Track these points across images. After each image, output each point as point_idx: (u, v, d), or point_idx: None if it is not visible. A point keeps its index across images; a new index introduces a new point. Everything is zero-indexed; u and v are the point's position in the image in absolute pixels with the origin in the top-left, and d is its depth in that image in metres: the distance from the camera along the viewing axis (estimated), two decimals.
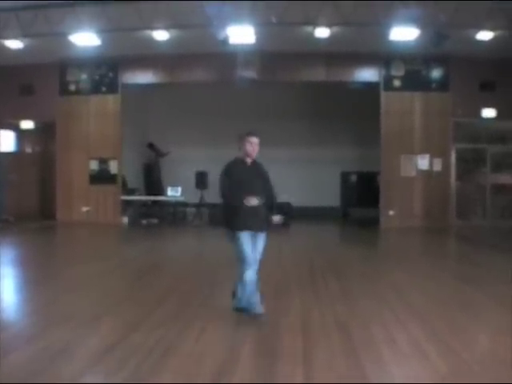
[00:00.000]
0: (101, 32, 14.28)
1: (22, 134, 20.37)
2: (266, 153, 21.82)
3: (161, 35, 14.40)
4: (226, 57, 16.78)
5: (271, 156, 21.00)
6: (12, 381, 4.46)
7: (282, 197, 20.46)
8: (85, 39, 14.56)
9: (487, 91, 17.63)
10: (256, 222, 6.27)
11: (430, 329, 6.05)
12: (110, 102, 18.65)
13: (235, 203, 6.17)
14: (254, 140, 6.38)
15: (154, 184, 21.34)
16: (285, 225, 6.24)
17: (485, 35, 14.19)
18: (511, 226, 17.22)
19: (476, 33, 14.16)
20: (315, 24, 13.74)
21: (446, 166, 17.84)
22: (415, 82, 17.84)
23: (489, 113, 17.74)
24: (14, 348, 5.29)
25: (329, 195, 20.92)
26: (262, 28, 14.03)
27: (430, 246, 14.78)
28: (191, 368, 4.87)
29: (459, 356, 5.16)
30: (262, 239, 6.44)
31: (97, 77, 18.68)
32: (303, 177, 21.28)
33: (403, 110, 17.82)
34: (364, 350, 5.32)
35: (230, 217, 6.25)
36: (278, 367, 4.89)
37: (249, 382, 4.59)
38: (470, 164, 18.61)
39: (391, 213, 17.70)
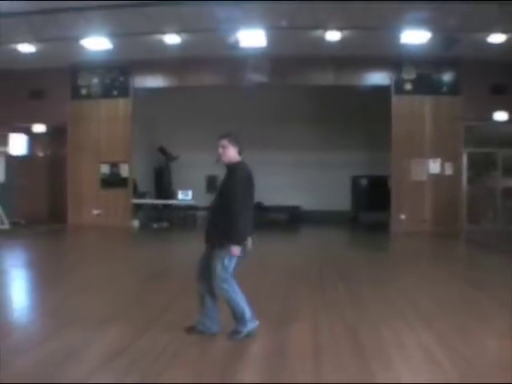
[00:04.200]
0: (112, 36, 14.36)
1: (33, 138, 20.47)
2: (276, 157, 21.94)
3: (171, 39, 14.44)
4: (236, 60, 16.82)
5: (281, 160, 21.24)
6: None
7: (292, 200, 20.48)
8: (96, 43, 14.64)
9: (498, 94, 17.53)
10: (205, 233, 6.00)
11: (440, 334, 6.02)
12: (121, 106, 18.73)
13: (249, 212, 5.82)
14: (219, 143, 5.94)
15: (164, 188, 21.39)
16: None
17: (496, 38, 14.12)
18: None
19: (487, 36, 14.10)
20: (325, 28, 13.74)
21: (456, 169, 17.76)
22: (426, 85, 17.79)
23: (500, 116, 17.64)
24: (24, 350, 5.31)
25: (339, 199, 20.87)
26: (272, 32, 14.05)
27: (440, 250, 14.70)
28: (199, 371, 4.87)
29: (468, 361, 5.13)
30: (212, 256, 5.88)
31: (108, 81, 18.77)
32: (313, 181, 21.24)
33: (414, 113, 17.77)
34: (373, 355, 5.30)
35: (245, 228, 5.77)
36: (286, 370, 4.89)
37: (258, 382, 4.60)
38: (480, 168, 18.51)
39: (402, 217, 17.64)
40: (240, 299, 5.75)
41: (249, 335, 5.77)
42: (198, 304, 5.93)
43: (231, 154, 5.87)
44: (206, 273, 5.81)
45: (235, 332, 5.75)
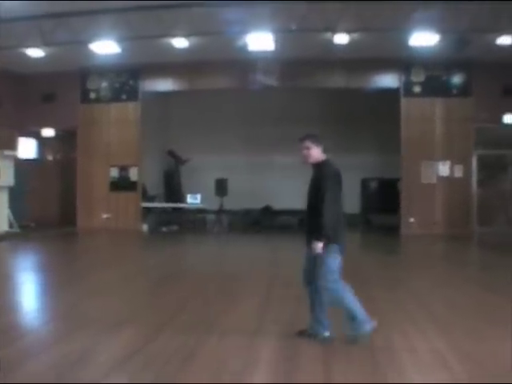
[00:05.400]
0: (121, 40, 14.37)
1: (43, 142, 20.59)
2: (286, 159, 21.88)
3: (180, 43, 14.45)
4: (246, 64, 16.83)
5: (291, 162, 21.14)
6: None
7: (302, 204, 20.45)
8: (105, 47, 14.67)
9: (510, 96, 17.44)
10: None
11: (451, 337, 5.98)
12: (131, 110, 18.77)
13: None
14: (302, 145, 6.01)
15: (174, 191, 21.39)
16: None
17: (506, 39, 14.05)
18: None
19: (497, 37, 14.02)
20: (334, 30, 13.70)
21: (467, 172, 17.68)
22: (436, 87, 17.72)
23: (511, 118, 17.55)
24: (36, 353, 5.33)
25: (349, 202, 20.74)
26: (282, 34, 14.04)
27: (451, 253, 14.64)
28: (211, 374, 4.86)
29: (480, 365, 5.10)
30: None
31: (117, 84, 18.81)
32: None
33: (424, 115, 17.71)
34: (384, 358, 5.28)
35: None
36: (297, 374, 4.87)
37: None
38: (491, 170, 18.41)
39: (412, 220, 17.57)
40: (350, 299, 5.72)
41: (363, 336, 5.71)
42: (309, 307, 5.97)
43: (316, 153, 5.97)
44: (309, 275, 5.87)
45: (350, 337, 5.74)
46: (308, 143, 5.96)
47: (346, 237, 5.88)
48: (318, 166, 5.91)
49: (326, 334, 5.83)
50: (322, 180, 5.73)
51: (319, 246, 5.59)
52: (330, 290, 5.70)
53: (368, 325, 5.69)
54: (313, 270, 5.80)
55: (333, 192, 5.66)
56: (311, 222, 5.79)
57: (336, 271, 5.71)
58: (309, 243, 5.77)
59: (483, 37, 14.08)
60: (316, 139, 6.01)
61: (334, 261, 5.69)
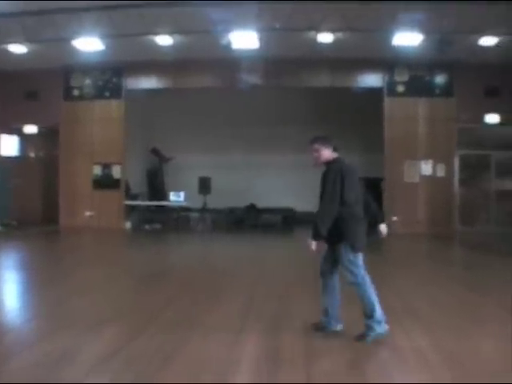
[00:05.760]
0: (105, 37, 14.33)
1: (25, 139, 20.44)
2: (270, 158, 21.91)
3: (164, 40, 14.43)
4: (230, 62, 16.83)
5: (275, 161, 21.22)
6: None
7: (286, 202, 20.45)
8: (89, 44, 14.61)
9: (492, 97, 17.60)
10: None
11: (434, 336, 6.00)
12: (114, 108, 18.69)
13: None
14: (311, 147, 6.10)
15: (157, 189, 21.36)
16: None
17: (489, 41, 14.18)
18: None
19: (480, 38, 14.14)
20: (319, 30, 13.74)
21: (449, 171, 17.82)
22: (419, 87, 17.84)
23: (493, 118, 17.71)
24: (18, 352, 5.28)
25: None
26: (266, 33, 14.05)
27: (434, 252, 14.73)
28: (193, 373, 4.85)
29: (463, 364, 5.11)
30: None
31: (101, 82, 18.73)
32: (308, 182, 21.09)
33: (407, 115, 17.82)
34: (366, 357, 5.30)
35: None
36: (279, 372, 4.87)
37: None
38: (474, 170, 18.57)
39: (395, 218, 17.65)
40: (372, 297, 5.81)
41: (377, 338, 5.73)
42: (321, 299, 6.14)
43: (326, 154, 6.06)
44: (325, 269, 6.09)
45: (362, 336, 5.76)
46: (317, 145, 6.07)
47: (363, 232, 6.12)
48: (327, 165, 6.03)
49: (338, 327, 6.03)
50: (325, 179, 5.88)
51: (312, 243, 5.78)
52: (353, 285, 5.89)
53: (382, 328, 5.77)
54: (328, 264, 6.06)
55: (334, 190, 5.73)
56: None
57: (361, 266, 5.94)
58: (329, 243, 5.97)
59: (466, 38, 14.22)
60: (325, 140, 6.12)
61: (356, 258, 5.92)
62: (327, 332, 5.96)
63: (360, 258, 5.94)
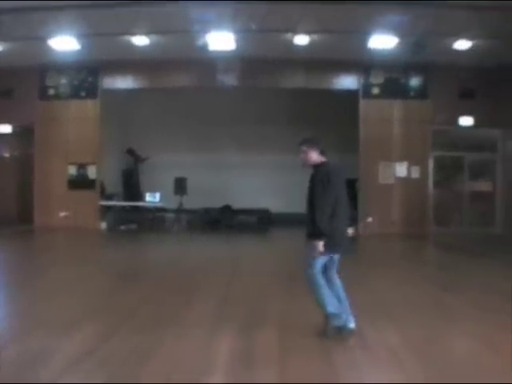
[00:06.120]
0: (81, 36, 14.23)
1: (0, 138, 20.19)
2: (246, 159, 21.88)
3: (141, 40, 14.38)
4: (207, 62, 16.80)
5: (251, 162, 21.23)
6: None
7: (261, 203, 20.46)
8: (64, 43, 14.49)
9: (466, 99, 17.81)
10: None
11: (407, 335, 6.07)
12: (90, 107, 18.55)
13: None
14: (300, 149, 6.28)
15: (132, 189, 21.26)
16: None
17: (463, 44, 14.34)
18: (488, 233, 17.45)
19: (454, 42, 14.30)
20: (295, 31, 13.80)
21: (424, 173, 17.99)
22: (394, 89, 17.99)
23: (467, 121, 17.92)
24: None
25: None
26: (242, 34, 14.07)
27: (408, 252, 14.85)
28: (168, 373, 4.86)
29: (435, 363, 5.19)
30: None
31: (76, 81, 18.57)
32: (283, 183, 21.22)
33: (382, 117, 17.94)
34: (339, 356, 5.35)
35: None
36: (253, 371, 4.90)
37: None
38: (447, 171, 18.79)
39: (370, 219, 17.79)
40: (325, 295, 5.95)
41: (339, 331, 5.93)
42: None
43: (314, 156, 6.20)
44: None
45: (323, 330, 5.99)
46: (304, 148, 6.23)
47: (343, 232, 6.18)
48: (315, 168, 6.16)
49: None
50: (313, 181, 6.02)
51: (320, 244, 5.84)
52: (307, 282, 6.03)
53: (337, 321, 5.94)
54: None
55: (323, 194, 5.86)
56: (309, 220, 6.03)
57: (317, 268, 5.99)
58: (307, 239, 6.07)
59: (441, 41, 14.37)
60: (312, 143, 6.28)
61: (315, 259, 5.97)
62: (343, 331, 5.98)
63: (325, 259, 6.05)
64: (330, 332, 5.89)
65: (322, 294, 5.93)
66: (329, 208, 5.84)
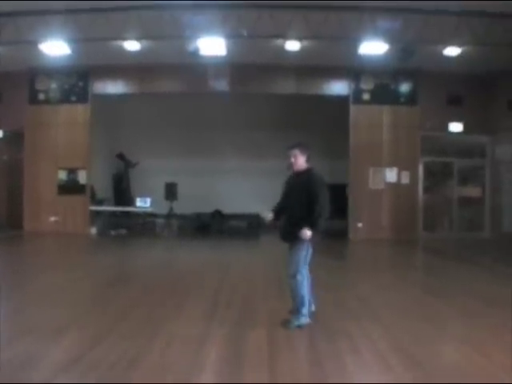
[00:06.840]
0: (71, 41, 14.20)
1: None
2: (237, 164, 21.85)
3: (132, 45, 14.38)
4: (197, 68, 16.83)
5: (241, 167, 21.24)
6: None
7: (251, 208, 20.51)
8: (55, 48, 14.46)
9: (454, 105, 17.95)
10: (282, 233, 6.70)
11: (395, 340, 6.11)
12: (80, 112, 18.52)
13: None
14: (290, 152, 6.54)
15: (122, 194, 21.23)
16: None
17: (452, 51, 14.43)
18: (477, 238, 17.55)
19: (443, 48, 14.39)
20: (285, 37, 13.85)
21: (413, 178, 18.08)
22: (384, 95, 18.08)
23: (456, 127, 18.05)
24: None
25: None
26: (233, 40, 14.10)
27: (397, 257, 14.91)
28: (155, 380, 4.86)
29: (423, 367, 5.22)
30: (292, 250, 6.61)
31: (67, 86, 18.55)
32: (274, 188, 21.12)
33: (372, 123, 18.03)
34: (328, 361, 5.37)
35: None
36: (243, 372, 4.93)
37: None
38: (437, 177, 18.89)
39: (359, 225, 17.85)
40: (306, 297, 6.49)
41: (299, 327, 6.42)
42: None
43: (301, 162, 6.49)
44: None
45: (287, 321, 6.48)
46: (296, 151, 6.47)
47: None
48: (305, 173, 6.44)
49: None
50: (315, 186, 6.33)
51: (308, 233, 6.22)
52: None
53: (305, 320, 6.50)
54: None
55: (325, 195, 6.35)
56: (293, 220, 6.44)
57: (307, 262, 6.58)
58: (288, 239, 6.55)
59: (430, 47, 14.45)
60: (304, 149, 6.54)
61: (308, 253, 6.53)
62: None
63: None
64: (293, 327, 6.38)
65: (304, 296, 6.43)
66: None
